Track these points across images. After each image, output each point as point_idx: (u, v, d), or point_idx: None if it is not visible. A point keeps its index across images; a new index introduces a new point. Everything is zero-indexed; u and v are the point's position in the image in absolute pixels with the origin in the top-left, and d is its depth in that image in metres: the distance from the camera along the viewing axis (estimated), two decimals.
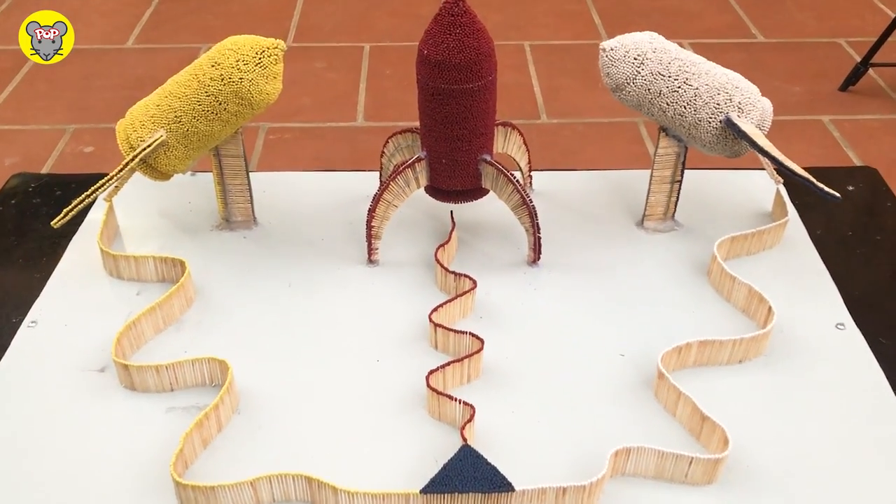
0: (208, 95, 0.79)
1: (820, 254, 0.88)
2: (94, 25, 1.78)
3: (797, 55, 1.71)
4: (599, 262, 0.87)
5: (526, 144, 0.93)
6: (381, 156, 0.93)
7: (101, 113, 1.51)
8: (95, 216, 0.91)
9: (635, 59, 0.80)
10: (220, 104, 0.79)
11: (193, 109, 0.79)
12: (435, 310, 0.77)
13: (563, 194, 0.97)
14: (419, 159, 0.83)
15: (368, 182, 0.97)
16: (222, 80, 0.78)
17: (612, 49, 0.80)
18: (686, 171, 0.88)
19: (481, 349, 0.73)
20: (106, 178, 0.82)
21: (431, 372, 0.70)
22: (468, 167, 0.82)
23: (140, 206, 0.94)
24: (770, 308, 0.77)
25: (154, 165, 0.83)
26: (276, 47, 0.79)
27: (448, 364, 0.71)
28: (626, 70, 0.80)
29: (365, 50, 1.69)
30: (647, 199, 0.89)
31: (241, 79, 0.78)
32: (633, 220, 0.93)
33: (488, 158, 0.82)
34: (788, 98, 1.58)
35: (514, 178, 0.82)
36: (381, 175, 0.94)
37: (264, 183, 0.98)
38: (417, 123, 0.83)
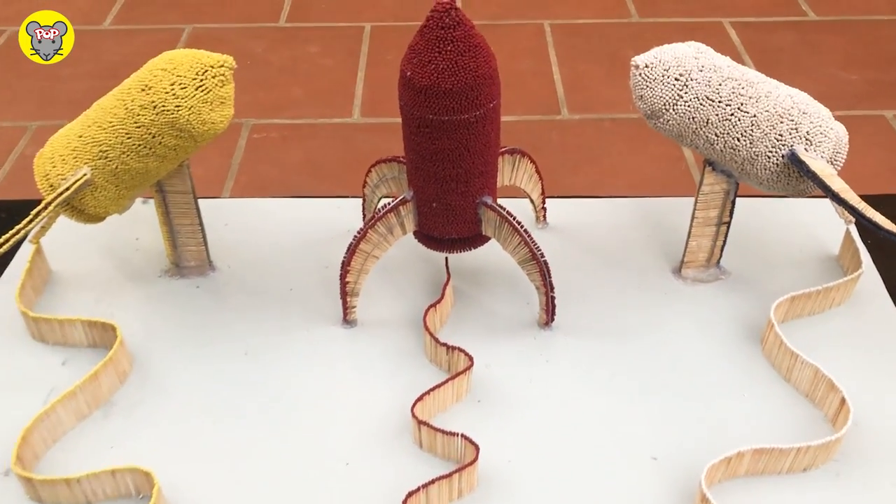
0: (139, 126, 0.63)
1: None
2: (67, 1, 1.59)
3: (855, 36, 1.50)
4: (626, 324, 0.71)
5: (538, 172, 0.77)
6: (364, 185, 0.77)
7: (68, 107, 1.32)
8: (26, 254, 0.76)
9: (677, 79, 0.63)
10: (153, 137, 0.63)
11: (122, 143, 0.64)
12: (420, 398, 0.61)
13: (584, 229, 0.80)
14: (404, 201, 0.67)
15: (352, 212, 0.82)
16: (155, 108, 0.62)
17: (647, 66, 0.63)
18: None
19: (475, 459, 0.58)
20: (20, 226, 0.66)
21: (410, 494, 0.55)
22: (465, 212, 0.66)
23: (76, 245, 0.79)
24: (843, 400, 0.61)
25: (81, 208, 0.67)
26: (223, 65, 0.63)
27: (433, 482, 0.56)
28: (666, 93, 0.63)
29: (366, 31, 1.50)
30: (687, 243, 0.73)
31: (177, 107, 0.62)
32: (670, 266, 0.76)
33: (489, 202, 0.66)
34: (844, 88, 1.37)
35: (522, 227, 0.66)
36: (363, 207, 0.79)
37: (227, 213, 0.82)
38: None
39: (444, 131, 0.61)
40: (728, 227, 0.72)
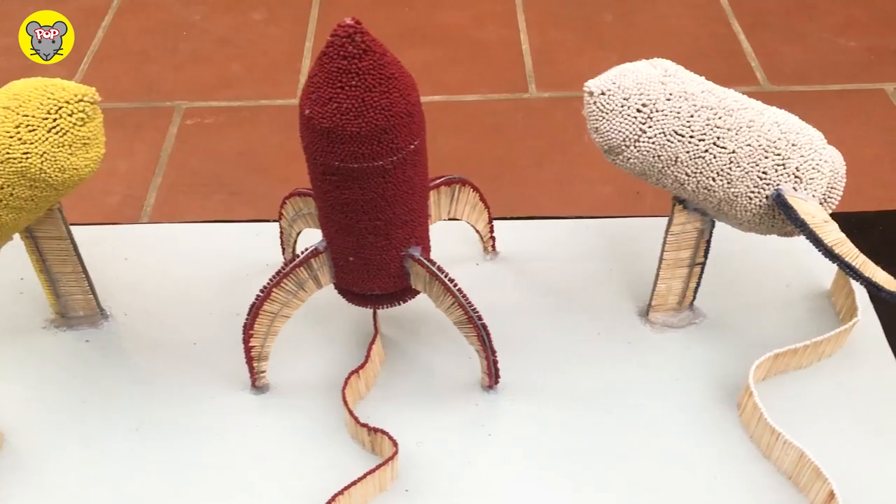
0: None
1: None
2: None
3: None
4: (583, 384, 0.61)
5: (483, 201, 0.66)
6: (280, 217, 0.66)
7: None
8: None
9: (639, 111, 0.52)
10: (1, 189, 0.52)
11: None
12: (333, 500, 0.52)
13: (540, 259, 0.70)
14: (316, 252, 0.56)
15: (272, 241, 0.71)
16: None
17: (603, 94, 0.52)
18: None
19: None
20: None
21: None
22: (388, 266, 0.56)
23: None
24: (832, 494, 0.51)
25: None
26: (81, 100, 0.51)
27: None
28: (626, 127, 0.52)
29: None
30: (655, 284, 0.62)
31: (25, 154, 0.50)
32: (636, 306, 0.66)
33: (417, 255, 0.55)
34: (841, 57, 1.24)
35: (456, 286, 0.55)
36: (281, 240, 0.68)
37: (126, 243, 0.71)
38: None
39: (354, 179, 0.50)
40: (703, 268, 0.62)
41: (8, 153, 0.50)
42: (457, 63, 1.10)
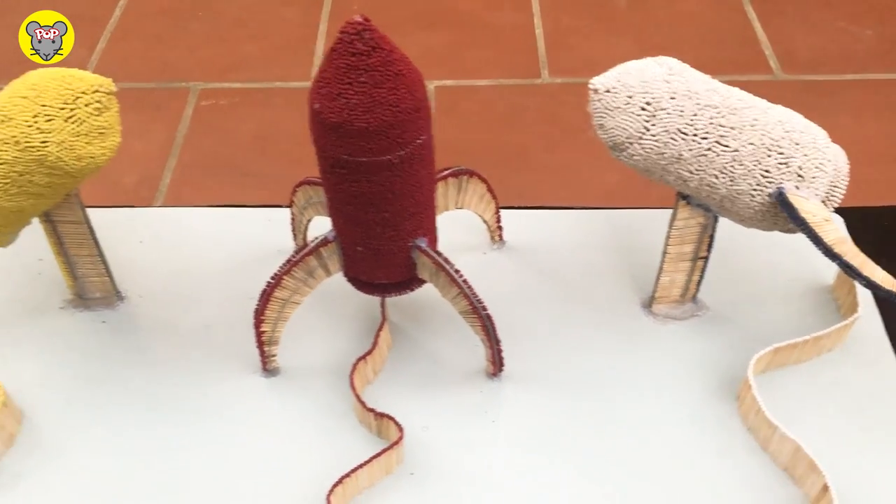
0: (1, 164, 0.53)
1: None
2: None
3: None
4: (585, 374, 0.62)
5: (491, 192, 0.67)
6: (291, 205, 0.67)
7: None
8: None
9: (643, 108, 0.52)
10: (20, 175, 0.53)
11: None
12: (339, 482, 0.53)
13: (546, 250, 0.71)
14: (326, 242, 0.57)
15: (283, 226, 0.72)
16: (17, 143, 0.52)
17: (608, 91, 0.53)
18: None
19: None
20: None
21: None
22: (395, 257, 0.57)
23: None
24: (826, 487, 0.53)
25: None
26: (97, 90, 0.53)
27: None
28: (630, 125, 0.53)
29: None
30: (658, 278, 0.63)
31: (44, 142, 0.52)
32: (639, 298, 0.67)
33: (423, 245, 0.56)
34: (855, 46, 1.23)
35: (461, 277, 0.56)
36: (293, 227, 0.69)
37: (142, 226, 0.73)
38: None
39: (362, 173, 0.51)
40: (706, 262, 0.62)
41: (27, 141, 0.52)
42: (470, 47, 1.10)
